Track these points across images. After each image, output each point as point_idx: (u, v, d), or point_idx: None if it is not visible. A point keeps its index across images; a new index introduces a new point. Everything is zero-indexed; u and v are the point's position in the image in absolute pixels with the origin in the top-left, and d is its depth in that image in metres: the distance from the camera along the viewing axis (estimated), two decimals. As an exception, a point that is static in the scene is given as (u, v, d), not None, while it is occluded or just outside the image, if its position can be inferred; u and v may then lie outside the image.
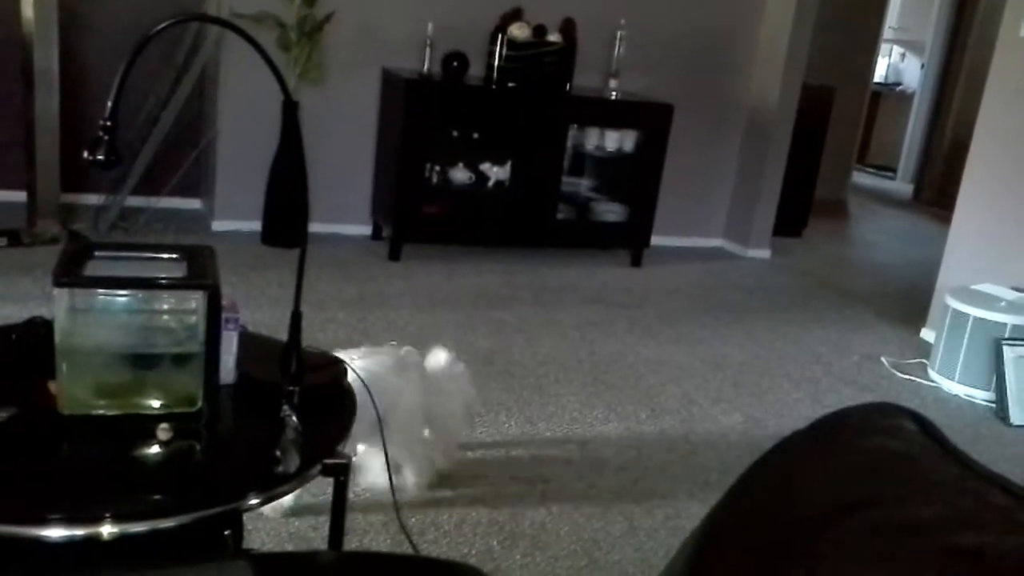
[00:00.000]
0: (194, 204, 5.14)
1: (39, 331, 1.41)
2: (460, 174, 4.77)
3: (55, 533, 1.07)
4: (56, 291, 1.15)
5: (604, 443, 2.99)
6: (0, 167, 4.69)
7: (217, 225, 4.76)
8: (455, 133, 4.71)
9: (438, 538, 2.37)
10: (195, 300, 1.23)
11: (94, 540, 1.07)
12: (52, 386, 1.31)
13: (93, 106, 4.71)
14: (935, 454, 0.79)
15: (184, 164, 4.75)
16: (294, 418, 1.24)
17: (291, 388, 1.30)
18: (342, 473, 1.26)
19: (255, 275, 4.16)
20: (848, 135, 7.94)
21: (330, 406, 1.37)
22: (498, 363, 3.53)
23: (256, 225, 4.76)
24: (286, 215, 4.66)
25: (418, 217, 4.66)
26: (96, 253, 1.28)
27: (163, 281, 1.23)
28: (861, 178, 9.31)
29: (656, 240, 5.28)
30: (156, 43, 4.73)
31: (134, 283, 1.21)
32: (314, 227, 4.88)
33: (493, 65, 4.79)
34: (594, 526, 2.52)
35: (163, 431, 1.23)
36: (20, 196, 4.48)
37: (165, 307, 1.22)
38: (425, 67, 4.67)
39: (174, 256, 1.32)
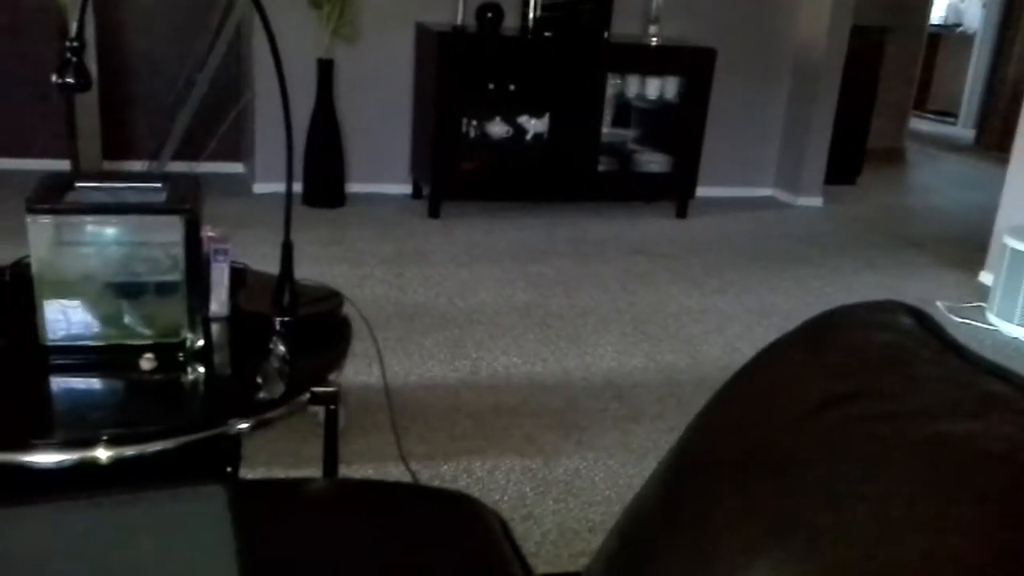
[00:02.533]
0: (236, 168, 5.16)
1: (29, 270, 1.40)
2: (497, 128, 4.70)
3: (47, 459, 1.06)
4: (29, 219, 1.13)
5: (642, 391, 2.93)
6: (43, 136, 4.76)
7: (259, 187, 4.78)
8: (491, 86, 4.64)
9: (470, 484, 2.34)
10: (174, 227, 1.20)
11: (84, 466, 1.05)
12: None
13: (132, 73, 4.74)
14: (932, 348, 0.72)
15: (222, 127, 4.76)
16: (281, 347, 1.20)
17: (281, 319, 1.27)
18: (332, 401, 1.23)
19: (296, 236, 4.15)
20: (904, 79, 7.65)
21: (324, 337, 1.34)
22: (535, 315, 3.48)
23: (297, 186, 4.76)
24: (325, 175, 4.65)
25: (456, 173, 4.61)
26: (77, 184, 1.26)
27: (138, 206, 1.19)
28: (921, 124, 8.98)
29: (703, 191, 5.15)
30: (191, 5, 4.74)
31: (108, 209, 1.18)
32: (354, 187, 4.86)
33: (528, 15, 4.70)
34: (629, 472, 2.46)
35: (147, 360, 1.21)
36: (64, 165, 4.55)
37: (145, 235, 1.19)
38: (459, 19, 4.59)
39: (156, 186, 1.29)
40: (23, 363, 1.24)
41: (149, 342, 1.26)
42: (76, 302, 1.17)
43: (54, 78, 1.21)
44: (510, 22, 4.72)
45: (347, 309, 1.54)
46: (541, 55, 4.56)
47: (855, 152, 6.12)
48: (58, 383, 1.20)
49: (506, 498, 2.31)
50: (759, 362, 0.79)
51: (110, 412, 1.16)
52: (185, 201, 1.22)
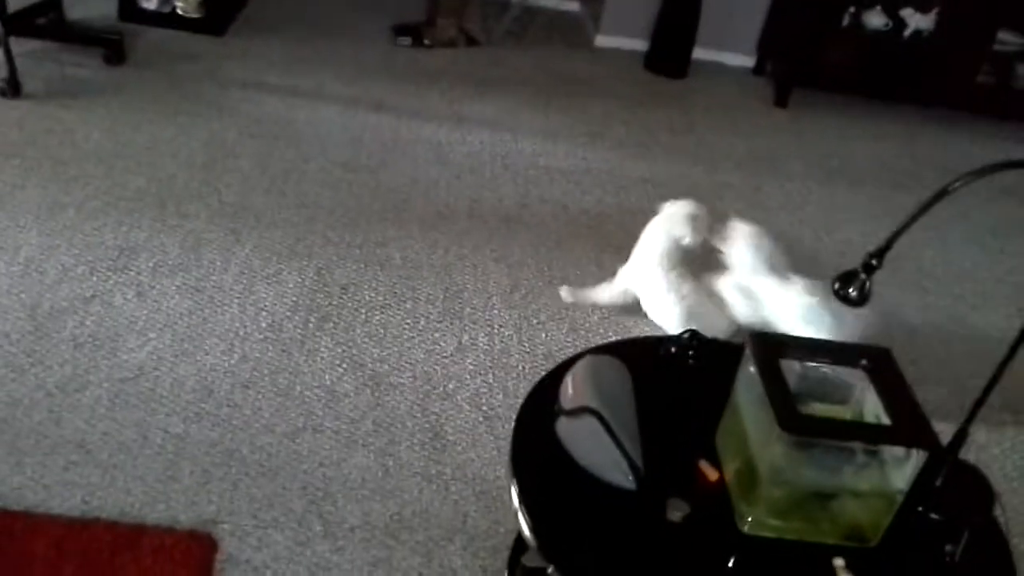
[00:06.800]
0: (571, 7, 4.93)
1: (687, 350, 1.33)
2: (876, 19, 4.20)
3: None
4: (781, 433, 1.05)
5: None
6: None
7: (601, 40, 4.56)
8: (881, -30, 4.11)
9: None
10: (912, 458, 1.09)
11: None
12: (706, 468, 1.29)
13: None
14: None
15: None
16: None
17: (935, 518, 1.14)
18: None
19: (641, 113, 3.98)
20: None
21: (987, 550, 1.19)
22: (906, 269, 3.21)
23: (639, 44, 4.51)
24: (674, 40, 4.37)
25: (815, 60, 4.21)
26: (782, 361, 1.16)
27: (882, 433, 1.09)
28: None
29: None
30: None
31: (860, 435, 1.09)
32: (694, 52, 4.55)
33: None
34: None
35: (842, 570, 1.14)
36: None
37: (878, 455, 1.10)
38: None
39: (863, 363, 1.18)
40: (713, 544, 1.21)
41: (834, 542, 1.21)
42: (785, 499, 1.11)
43: (836, 286, 1.14)
44: None
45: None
46: (949, -59, 3.96)
47: None
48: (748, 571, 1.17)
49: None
50: None
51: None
52: (924, 427, 1.11)
